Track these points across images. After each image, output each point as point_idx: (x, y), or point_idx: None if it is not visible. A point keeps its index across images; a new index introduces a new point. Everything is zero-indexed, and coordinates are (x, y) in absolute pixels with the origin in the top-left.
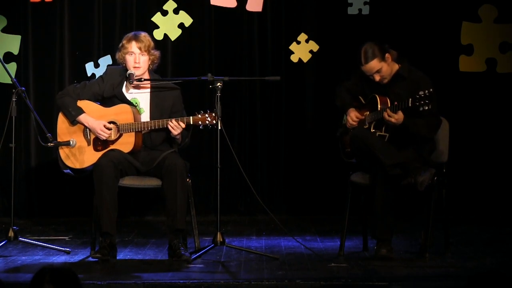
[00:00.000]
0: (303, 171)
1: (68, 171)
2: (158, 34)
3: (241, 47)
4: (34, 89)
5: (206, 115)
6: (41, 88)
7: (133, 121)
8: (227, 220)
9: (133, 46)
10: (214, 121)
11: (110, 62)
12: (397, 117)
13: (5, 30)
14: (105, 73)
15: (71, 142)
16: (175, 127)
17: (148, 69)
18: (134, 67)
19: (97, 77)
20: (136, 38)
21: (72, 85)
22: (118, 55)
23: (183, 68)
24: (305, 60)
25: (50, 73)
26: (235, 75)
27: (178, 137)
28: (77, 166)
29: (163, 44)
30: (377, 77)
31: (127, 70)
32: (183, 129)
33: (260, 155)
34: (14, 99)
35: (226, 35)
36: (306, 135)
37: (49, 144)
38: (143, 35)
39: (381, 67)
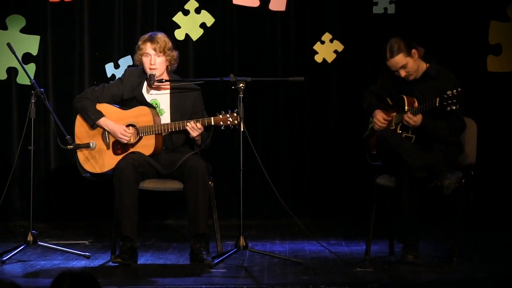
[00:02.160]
0: (328, 174)
1: (88, 175)
2: (179, 34)
3: (264, 47)
4: (53, 91)
5: (228, 115)
6: (60, 89)
7: (152, 123)
8: (250, 224)
9: (148, 48)
10: (236, 121)
11: (131, 63)
12: (416, 119)
13: (24, 31)
14: (123, 74)
15: (91, 144)
16: (193, 128)
17: (167, 70)
18: (150, 69)
19: (117, 78)
20: (151, 39)
21: (91, 88)
22: (135, 57)
23: (205, 68)
24: (329, 60)
25: (70, 74)
26: (258, 75)
27: (197, 138)
28: (97, 170)
29: (185, 44)
30: (402, 73)
31: (145, 71)
32: (204, 130)
33: (284, 157)
34: (33, 101)
35: (248, 35)
36: (330, 137)
37: (68, 146)
38: (159, 36)
39: (406, 63)
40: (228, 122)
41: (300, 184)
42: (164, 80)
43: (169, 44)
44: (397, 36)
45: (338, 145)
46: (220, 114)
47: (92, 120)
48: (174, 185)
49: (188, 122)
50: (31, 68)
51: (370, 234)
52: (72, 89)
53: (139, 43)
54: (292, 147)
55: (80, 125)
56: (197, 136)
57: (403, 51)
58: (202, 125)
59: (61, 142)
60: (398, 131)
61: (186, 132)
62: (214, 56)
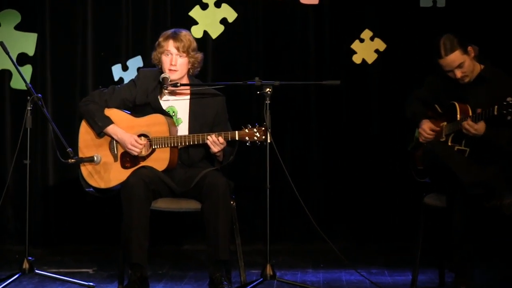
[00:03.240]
0: (367, 192)
1: (91, 189)
2: (196, 31)
3: (294, 46)
4: (52, 96)
5: (255, 130)
6: (60, 95)
7: (168, 134)
8: (278, 250)
9: (170, 45)
10: (264, 137)
11: (141, 65)
12: (477, 127)
13: (19, 27)
14: (137, 76)
15: (95, 158)
16: (215, 143)
17: (188, 73)
18: (170, 70)
19: (125, 81)
20: (175, 37)
21: (99, 90)
22: (153, 55)
23: (226, 71)
24: (369, 61)
25: (71, 77)
26: (287, 79)
27: (218, 154)
28: (102, 185)
29: (203, 43)
30: (458, 73)
31: (162, 73)
32: (226, 145)
33: (317, 173)
34: (29, 108)
35: (276, 32)
36: (370, 150)
37: (69, 160)
38: (184, 33)
39: (463, 61)
40: (255, 138)
41: (335, 203)
42: (179, 84)
43: (194, 44)
44: (449, 33)
45: (379, 159)
46: (246, 128)
47: (99, 127)
48: (191, 205)
49: (209, 135)
50: (27, 70)
51: (417, 262)
52: (73, 95)
53: (160, 39)
54: (326, 161)
55: (85, 132)
56: (219, 152)
57: (459, 48)
58: (225, 139)
59: (61, 156)
60: (449, 144)
61: (205, 146)
62: (237, 57)
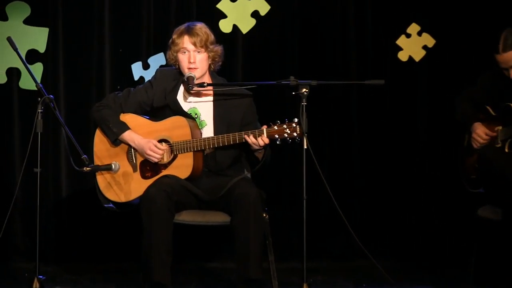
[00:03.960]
0: (414, 203)
1: (111, 205)
2: (225, 26)
3: (333, 41)
4: (65, 98)
5: (285, 126)
6: (74, 96)
7: (190, 137)
8: (315, 267)
9: (186, 42)
10: (295, 133)
11: (163, 62)
12: None
13: (29, 21)
14: (154, 77)
15: (113, 166)
16: (254, 144)
17: (209, 70)
18: (189, 68)
19: (146, 81)
20: (189, 31)
21: (113, 94)
22: (168, 54)
23: (258, 69)
24: (417, 58)
25: (86, 76)
26: (325, 78)
27: (260, 151)
28: (122, 199)
29: (232, 38)
30: None
31: (181, 73)
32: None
33: (358, 182)
34: (39, 111)
35: (313, 26)
36: (417, 157)
37: (84, 168)
38: (199, 26)
39: None
40: (285, 135)
41: (378, 216)
42: (206, 84)
43: (212, 37)
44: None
45: (427, 166)
46: (274, 124)
47: (115, 134)
48: (219, 217)
49: (247, 134)
50: (38, 69)
51: (471, 281)
52: (89, 96)
53: (174, 36)
54: (368, 169)
55: (99, 141)
56: (260, 149)
57: None
58: (253, 137)
59: (76, 163)
60: (506, 150)
61: (235, 149)
62: (269, 54)
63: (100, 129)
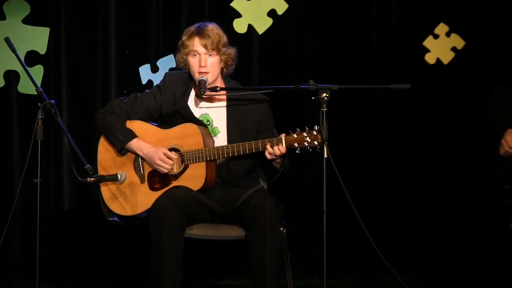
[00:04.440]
0: (442, 216)
1: (115, 219)
2: (240, 26)
3: (356, 42)
4: (67, 103)
5: (305, 134)
6: (77, 101)
7: (202, 146)
8: (337, 285)
9: (196, 44)
10: (316, 142)
11: (174, 65)
12: None
13: (28, 21)
14: (162, 81)
15: (118, 176)
16: (271, 154)
17: (221, 74)
18: (200, 72)
19: (154, 85)
20: (200, 33)
21: (118, 100)
22: (178, 57)
23: (274, 72)
24: (445, 61)
25: (90, 80)
26: (347, 82)
27: (278, 161)
28: (128, 212)
29: (247, 39)
30: None
31: (191, 77)
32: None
33: (382, 193)
34: (40, 117)
35: (334, 26)
36: (445, 166)
37: (88, 179)
38: (210, 27)
39: None
40: (305, 144)
41: (404, 230)
42: (219, 88)
43: (224, 39)
44: None
45: (456, 176)
46: (294, 132)
47: (121, 142)
48: (233, 231)
49: (265, 142)
50: (38, 71)
51: None
52: (93, 101)
53: (184, 38)
54: (394, 179)
55: (104, 149)
56: (277, 158)
57: None
58: (270, 146)
59: (78, 174)
60: None
61: (250, 159)
62: (287, 56)
63: (105, 137)
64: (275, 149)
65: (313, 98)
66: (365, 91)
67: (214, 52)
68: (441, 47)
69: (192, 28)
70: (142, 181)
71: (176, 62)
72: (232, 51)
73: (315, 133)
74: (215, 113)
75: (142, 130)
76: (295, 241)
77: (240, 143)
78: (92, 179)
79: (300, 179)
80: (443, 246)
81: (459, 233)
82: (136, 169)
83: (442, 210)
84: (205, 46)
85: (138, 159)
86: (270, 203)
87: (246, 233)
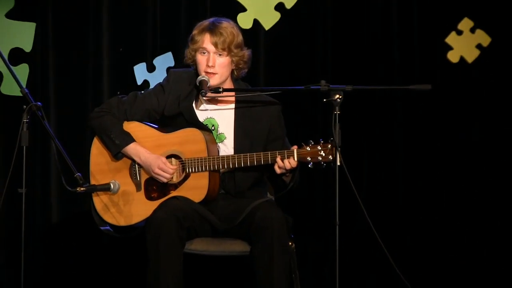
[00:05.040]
0: (469, 228)
1: (107, 228)
2: (244, 21)
3: (372, 39)
4: (55, 105)
5: (319, 147)
6: (66, 103)
7: (206, 154)
8: None
9: (207, 41)
10: (331, 157)
11: (172, 64)
12: None
13: (12, 15)
14: (166, 79)
15: (111, 186)
16: (281, 168)
17: (231, 76)
18: (206, 72)
19: (152, 86)
20: (212, 29)
21: (116, 98)
22: (186, 52)
23: (282, 72)
24: (470, 59)
25: (81, 80)
26: (362, 82)
27: (288, 174)
28: (121, 222)
29: (253, 36)
30: None
31: (198, 75)
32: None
33: (402, 204)
34: (25, 121)
35: (348, 20)
36: (470, 174)
37: (78, 189)
38: (225, 25)
39: None
40: (320, 158)
41: (425, 245)
42: (221, 90)
43: (239, 39)
44: None
45: (482, 185)
46: (307, 145)
47: (117, 146)
48: (237, 246)
49: (277, 155)
50: (23, 71)
51: None
52: (84, 103)
53: (194, 32)
54: (414, 189)
55: (98, 152)
56: (287, 173)
57: None
58: (281, 159)
59: (68, 183)
60: None
61: (257, 169)
62: (297, 54)
63: (100, 140)
64: (286, 163)
65: (324, 100)
66: (382, 93)
67: (225, 52)
68: (465, 44)
69: (205, 22)
70: (138, 189)
71: (179, 59)
72: (245, 53)
73: (330, 147)
74: (222, 117)
75: (141, 133)
76: (305, 257)
77: (248, 154)
78: (82, 188)
79: (311, 188)
80: (471, 260)
81: (490, 245)
82: (132, 175)
83: (470, 221)
84: (216, 45)
85: (134, 165)
86: (278, 215)
87: (251, 248)
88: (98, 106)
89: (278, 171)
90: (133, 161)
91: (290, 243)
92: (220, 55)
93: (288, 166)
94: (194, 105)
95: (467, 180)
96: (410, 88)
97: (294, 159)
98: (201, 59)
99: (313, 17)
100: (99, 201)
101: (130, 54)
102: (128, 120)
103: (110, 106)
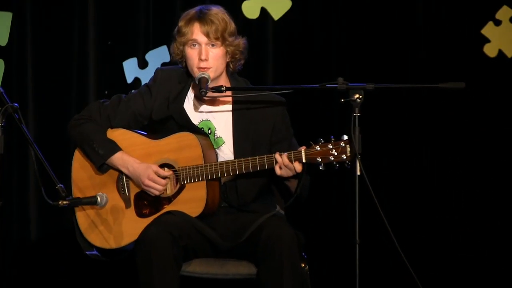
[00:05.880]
0: (505, 247)
1: (94, 252)
2: (250, 9)
3: (396, 30)
4: (35, 106)
5: (330, 146)
6: (47, 104)
7: (202, 161)
8: None
9: (196, 31)
10: (344, 156)
11: (167, 59)
12: None
13: None
14: (153, 79)
15: (98, 199)
16: (287, 167)
17: (227, 70)
18: (199, 68)
19: (142, 84)
20: (202, 18)
21: (97, 103)
22: (173, 48)
23: (293, 68)
24: (509, 53)
25: (63, 78)
26: (385, 80)
27: (290, 183)
28: (111, 244)
29: (260, 27)
30: None
31: (189, 73)
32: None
33: (432, 219)
34: (0, 124)
35: (367, 9)
36: (509, 184)
37: (60, 202)
38: (215, 11)
39: None
40: (331, 158)
41: (457, 262)
42: (224, 88)
43: (232, 26)
44: None
45: None
46: (316, 144)
47: (101, 157)
48: (241, 268)
49: (279, 155)
50: None
51: None
52: (67, 104)
53: (180, 24)
54: (445, 201)
55: (79, 166)
56: (291, 177)
57: None
58: (288, 159)
59: (48, 195)
60: None
61: (262, 177)
62: (310, 47)
63: (81, 151)
64: (294, 165)
65: (342, 100)
66: (408, 92)
67: (218, 42)
68: (504, 36)
69: (192, 11)
70: (127, 205)
71: (170, 55)
72: (241, 41)
73: (343, 145)
74: (219, 118)
75: (127, 141)
76: (320, 279)
77: (250, 158)
78: (65, 202)
79: (326, 201)
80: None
81: None
82: (120, 190)
83: (507, 240)
84: (207, 35)
85: (122, 178)
86: (288, 233)
87: (258, 270)
88: (83, 108)
89: (278, 171)
90: (121, 173)
91: (302, 264)
92: (213, 45)
93: (298, 168)
94: (186, 106)
95: (502, 187)
96: (441, 86)
97: (301, 160)
98: (191, 53)
99: (328, 6)
100: (84, 219)
101: (120, 48)
102: (112, 127)
103: (90, 112)
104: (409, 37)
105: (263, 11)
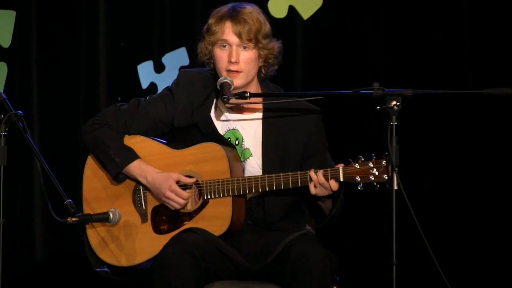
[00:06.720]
0: None
1: (105, 269)
2: (277, 8)
3: (435, 31)
4: (40, 114)
5: (370, 164)
6: (54, 112)
7: (229, 175)
8: None
9: (228, 31)
10: (386, 176)
11: (186, 63)
12: None
13: None
14: (176, 82)
15: (110, 215)
16: (322, 185)
17: (258, 76)
18: (228, 71)
19: (160, 90)
20: (234, 16)
21: (114, 106)
22: (200, 47)
23: (324, 73)
24: None
25: (72, 83)
26: (425, 86)
27: (323, 203)
28: (122, 262)
29: (288, 27)
30: None
31: (218, 76)
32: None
33: (475, 238)
34: (3, 134)
35: (405, 8)
36: None
37: (69, 219)
38: (249, 10)
39: None
40: (372, 178)
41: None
42: (248, 95)
43: (267, 28)
44: None
45: None
46: (355, 162)
47: (117, 165)
48: None
49: (313, 172)
50: (0, 71)
51: None
52: (75, 112)
53: (210, 21)
54: (489, 216)
55: (92, 175)
56: (326, 197)
57: None
58: (324, 177)
59: (56, 211)
60: None
61: (291, 194)
62: (342, 50)
63: (95, 159)
64: (330, 184)
65: (378, 107)
66: (451, 98)
67: (251, 44)
68: None
69: (224, 8)
70: (144, 220)
71: (195, 56)
72: (275, 45)
73: (385, 164)
74: (247, 128)
75: (145, 149)
76: None
77: (281, 174)
78: (74, 219)
79: (360, 218)
80: None
81: None
82: (136, 203)
83: None
84: (239, 35)
85: (139, 189)
86: (319, 253)
87: None
88: (93, 116)
89: (313, 191)
90: (138, 183)
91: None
92: (245, 47)
93: (334, 187)
94: (212, 114)
95: None
96: (486, 92)
97: (338, 179)
98: (220, 54)
99: (362, 5)
100: (95, 235)
101: (134, 51)
102: (129, 134)
103: (106, 117)
104: (452, 38)
105: (291, 9)
